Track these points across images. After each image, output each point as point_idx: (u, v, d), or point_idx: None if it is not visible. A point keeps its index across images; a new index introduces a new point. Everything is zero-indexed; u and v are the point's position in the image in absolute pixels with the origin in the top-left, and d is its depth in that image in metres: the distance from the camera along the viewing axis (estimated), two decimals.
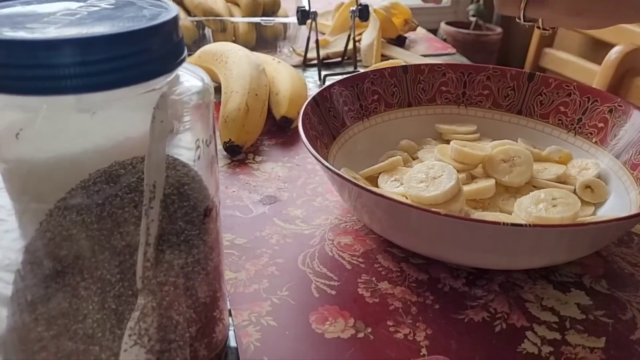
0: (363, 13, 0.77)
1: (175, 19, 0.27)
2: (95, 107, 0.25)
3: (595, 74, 1.31)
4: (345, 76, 0.58)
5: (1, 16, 0.26)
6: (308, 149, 0.43)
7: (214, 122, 0.31)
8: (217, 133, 0.58)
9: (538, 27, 0.50)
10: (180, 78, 0.29)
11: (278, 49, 0.89)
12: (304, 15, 0.77)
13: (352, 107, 0.57)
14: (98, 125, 0.27)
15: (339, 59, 0.86)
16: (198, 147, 0.29)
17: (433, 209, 0.38)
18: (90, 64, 0.23)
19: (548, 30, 0.50)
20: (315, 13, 0.77)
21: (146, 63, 0.25)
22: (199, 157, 0.29)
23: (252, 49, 0.80)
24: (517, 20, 0.49)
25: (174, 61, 0.27)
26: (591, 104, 0.56)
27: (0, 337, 0.31)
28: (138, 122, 0.28)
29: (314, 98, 0.52)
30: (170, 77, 0.27)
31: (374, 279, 0.43)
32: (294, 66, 0.78)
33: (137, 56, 0.25)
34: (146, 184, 0.28)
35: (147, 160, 0.28)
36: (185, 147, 0.29)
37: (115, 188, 0.28)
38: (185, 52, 0.28)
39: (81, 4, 0.28)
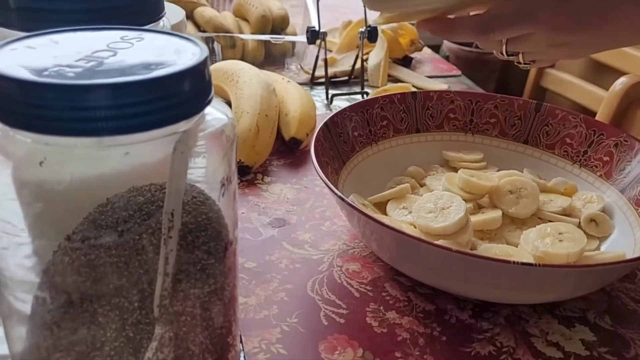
0: (372, 35, 0.78)
1: (206, 60, 0.27)
2: (126, 147, 0.26)
3: (596, 97, 1.32)
4: (355, 101, 0.59)
5: (39, 54, 0.27)
6: (324, 182, 0.44)
7: (236, 158, 0.32)
8: None
9: (518, 63, 0.50)
10: (206, 114, 0.30)
11: (286, 66, 0.90)
12: (313, 35, 0.77)
13: (362, 132, 0.57)
14: (116, 153, 0.27)
15: (346, 77, 0.87)
16: (223, 184, 0.30)
17: (444, 245, 0.38)
18: (124, 107, 0.24)
19: (529, 64, 0.50)
20: (325, 33, 0.78)
21: (178, 105, 0.26)
22: (223, 194, 0.30)
23: (260, 65, 0.81)
24: (500, 55, 0.50)
25: (204, 101, 0.28)
26: (597, 137, 0.57)
27: (19, 357, 0.32)
28: (154, 150, 0.28)
29: (325, 124, 0.53)
30: (198, 117, 0.28)
31: (381, 308, 0.43)
32: (301, 84, 0.78)
33: (170, 99, 0.25)
34: (165, 212, 0.28)
35: (168, 190, 0.28)
36: (211, 186, 0.30)
37: (134, 216, 0.29)
38: (213, 91, 0.29)
39: (112, 39, 0.29)
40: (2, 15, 0.37)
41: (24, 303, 0.30)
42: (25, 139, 0.26)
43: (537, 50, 0.48)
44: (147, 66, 0.26)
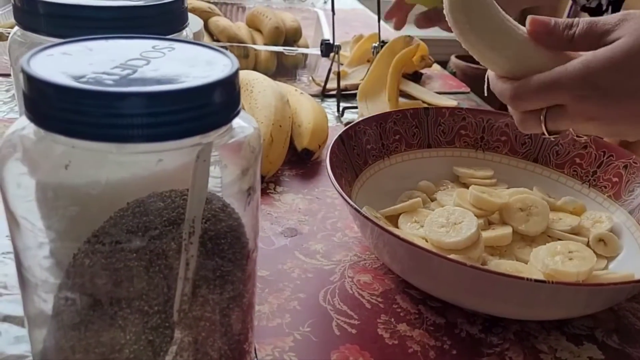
0: None
1: (237, 72, 0.28)
2: (158, 154, 0.27)
3: None
4: (367, 115, 0.59)
5: (75, 61, 0.27)
6: (339, 193, 0.45)
7: (261, 167, 0.32)
8: None
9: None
10: (233, 124, 0.30)
11: (297, 77, 0.91)
12: (327, 48, 0.78)
13: (375, 145, 0.58)
14: (149, 159, 0.28)
15: (357, 90, 0.88)
16: (249, 194, 0.30)
17: (458, 260, 0.39)
18: (159, 115, 0.25)
19: (582, 137, 0.48)
20: (339, 47, 0.79)
21: (211, 115, 0.26)
22: (249, 203, 0.31)
23: (272, 76, 0.82)
24: (543, 135, 0.47)
25: (233, 112, 0.28)
26: (606, 159, 0.57)
27: (40, 357, 0.32)
28: (177, 158, 0.29)
29: (340, 136, 0.54)
30: (226, 128, 0.29)
31: (393, 319, 0.44)
32: (312, 95, 0.79)
33: (203, 109, 0.26)
34: (187, 218, 0.29)
35: (190, 198, 0.29)
36: (235, 196, 0.30)
37: (154, 221, 0.29)
38: (241, 103, 0.29)
39: (145, 48, 0.30)
40: (31, 20, 0.38)
41: (45, 303, 0.30)
42: (59, 143, 0.26)
43: (575, 126, 0.45)
44: (181, 76, 0.27)
